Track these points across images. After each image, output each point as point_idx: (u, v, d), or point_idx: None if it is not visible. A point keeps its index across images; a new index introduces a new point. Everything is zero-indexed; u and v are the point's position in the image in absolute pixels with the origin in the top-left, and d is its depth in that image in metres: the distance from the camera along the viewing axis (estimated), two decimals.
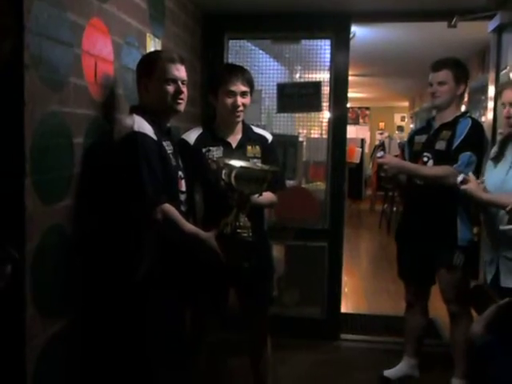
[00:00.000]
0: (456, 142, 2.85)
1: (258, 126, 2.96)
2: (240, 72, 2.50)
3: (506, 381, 1.84)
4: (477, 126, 2.93)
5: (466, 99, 5.10)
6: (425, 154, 2.95)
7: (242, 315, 2.67)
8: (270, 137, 2.64)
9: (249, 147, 2.54)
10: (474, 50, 5.17)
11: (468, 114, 3.01)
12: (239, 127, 2.56)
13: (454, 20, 3.50)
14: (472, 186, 2.43)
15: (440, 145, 2.91)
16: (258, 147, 2.55)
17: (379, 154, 3.07)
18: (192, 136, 2.52)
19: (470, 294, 2.87)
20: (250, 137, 2.56)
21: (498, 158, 2.51)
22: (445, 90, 2.90)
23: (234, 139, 2.53)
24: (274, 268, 2.74)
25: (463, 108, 3.17)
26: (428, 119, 3.21)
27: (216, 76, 2.55)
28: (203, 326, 2.62)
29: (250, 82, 2.51)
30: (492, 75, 3.63)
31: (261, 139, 2.59)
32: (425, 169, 2.92)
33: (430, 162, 2.92)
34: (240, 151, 2.49)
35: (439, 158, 2.88)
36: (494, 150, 2.61)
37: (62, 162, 1.89)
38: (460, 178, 2.47)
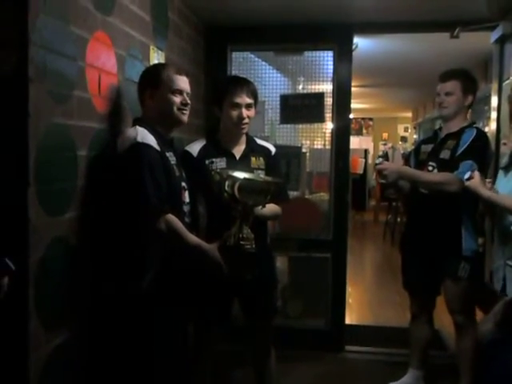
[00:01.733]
0: (459, 151, 2.85)
1: (261, 137, 2.96)
2: (245, 84, 2.51)
3: None
4: (481, 135, 2.93)
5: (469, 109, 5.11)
6: (430, 163, 2.95)
7: (246, 326, 2.65)
8: (273, 149, 2.64)
9: (253, 158, 2.54)
10: (477, 60, 5.17)
11: (474, 125, 3.01)
12: (243, 139, 2.56)
13: (457, 31, 3.51)
14: (476, 182, 2.48)
15: (444, 154, 2.91)
16: (261, 159, 2.55)
17: (378, 160, 3.06)
18: (195, 148, 2.52)
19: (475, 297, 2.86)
20: (253, 148, 2.57)
21: (508, 168, 2.51)
22: (452, 100, 2.91)
23: (238, 150, 2.53)
24: (277, 279, 2.73)
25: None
26: (435, 129, 3.21)
27: (221, 88, 2.55)
28: (207, 338, 2.61)
29: (254, 94, 2.51)
30: (495, 86, 3.63)
31: (264, 151, 2.59)
32: (425, 175, 2.92)
33: (435, 172, 2.92)
34: (244, 162, 2.49)
35: (443, 166, 2.88)
36: (504, 160, 2.61)
37: (66, 174, 1.90)
38: (467, 175, 2.54)
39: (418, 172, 2.94)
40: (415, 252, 3.02)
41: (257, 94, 2.54)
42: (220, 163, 2.47)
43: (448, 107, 2.93)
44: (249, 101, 2.47)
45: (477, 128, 2.99)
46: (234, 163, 2.46)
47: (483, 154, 2.87)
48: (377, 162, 3.05)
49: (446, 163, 2.87)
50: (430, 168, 2.94)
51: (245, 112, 2.45)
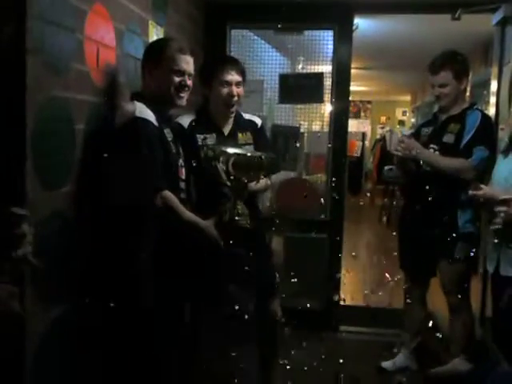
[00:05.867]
0: (467, 137, 2.83)
1: (259, 116, 2.94)
2: (234, 62, 2.51)
3: None
4: (487, 119, 2.93)
5: (468, 93, 5.07)
6: (431, 145, 2.94)
7: (252, 301, 2.67)
8: (259, 121, 2.65)
9: (240, 134, 2.54)
10: (478, 43, 5.15)
11: (476, 106, 2.98)
12: (231, 115, 2.55)
13: (458, 12, 3.49)
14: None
15: (448, 138, 2.89)
16: (248, 133, 2.56)
17: (407, 133, 2.98)
18: (185, 120, 2.50)
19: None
20: (240, 124, 2.57)
21: (507, 152, 2.50)
22: (448, 91, 2.89)
23: (227, 127, 2.54)
24: (270, 251, 2.76)
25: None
26: (434, 112, 3.19)
27: (210, 66, 2.55)
28: (204, 316, 2.62)
29: (243, 72, 2.52)
30: (495, 70, 3.61)
31: (251, 125, 2.59)
32: (444, 160, 2.85)
33: (437, 154, 2.90)
34: (232, 138, 2.50)
35: (446, 150, 2.87)
36: (503, 144, 2.59)
37: (64, 147, 1.88)
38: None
39: (437, 156, 2.89)
40: (412, 232, 3.02)
41: (245, 72, 2.54)
42: (210, 139, 2.47)
43: (445, 98, 2.91)
44: (238, 78, 2.47)
45: (480, 111, 2.97)
46: (222, 139, 2.46)
47: (492, 138, 2.87)
48: (404, 133, 2.99)
49: (449, 147, 2.86)
50: (431, 151, 2.92)
51: (235, 89, 2.45)
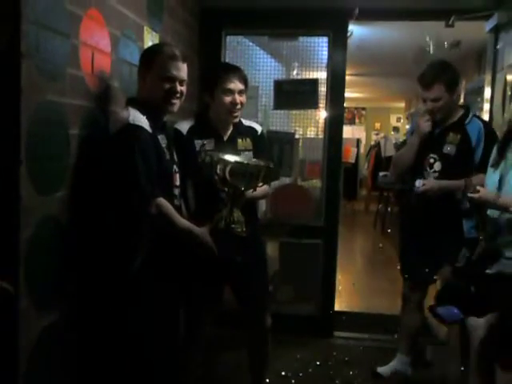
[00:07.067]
0: (479, 156, 2.80)
1: (255, 121, 2.94)
2: (237, 70, 2.51)
3: None
4: (490, 130, 2.91)
5: (462, 100, 5.09)
6: (431, 155, 2.91)
7: (242, 310, 2.66)
8: (259, 128, 2.65)
9: (239, 140, 2.54)
10: (471, 50, 5.19)
11: (472, 114, 2.96)
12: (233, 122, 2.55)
13: (452, 19, 3.50)
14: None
15: (448, 149, 2.88)
16: (248, 140, 2.56)
17: (418, 183, 2.86)
18: (184, 126, 2.51)
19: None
20: (240, 130, 2.57)
21: (496, 165, 2.48)
22: (441, 104, 2.85)
23: (226, 132, 2.54)
24: (267, 262, 2.75)
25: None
26: None
27: (212, 74, 2.54)
28: (198, 322, 2.62)
29: (246, 80, 2.52)
30: (488, 77, 3.63)
31: (251, 131, 2.60)
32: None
33: (437, 164, 2.90)
34: (230, 144, 2.50)
35: (447, 161, 2.87)
36: (493, 157, 2.54)
37: (58, 152, 1.88)
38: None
39: (453, 182, 2.80)
40: (416, 238, 3.01)
41: (247, 81, 2.54)
42: (208, 145, 2.46)
43: (440, 111, 2.88)
44: (241, 87, 2.47)
45: (478, 118, 2.96)
46: (221, 145, 2.46)
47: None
48: (417, 185, 2.87)
49: (450, 159, 2.86)
50: (432, 160, 2.91)
51: (238, 98, 2.45)
